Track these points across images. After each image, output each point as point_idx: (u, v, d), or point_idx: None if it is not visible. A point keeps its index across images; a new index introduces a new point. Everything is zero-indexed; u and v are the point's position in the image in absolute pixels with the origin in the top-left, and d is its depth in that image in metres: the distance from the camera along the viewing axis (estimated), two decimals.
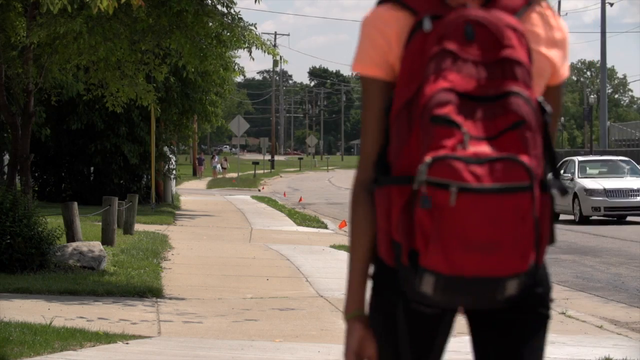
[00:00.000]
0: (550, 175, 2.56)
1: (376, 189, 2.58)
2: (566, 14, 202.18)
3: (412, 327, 2.62)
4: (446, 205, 2.38)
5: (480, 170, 2.39)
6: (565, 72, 2.73)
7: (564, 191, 2.56)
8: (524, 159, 2.41)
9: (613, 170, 29.13)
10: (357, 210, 2.65)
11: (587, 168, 29.17)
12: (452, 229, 2.39)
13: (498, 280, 2.44)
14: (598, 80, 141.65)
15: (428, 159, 2.40)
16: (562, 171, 28.98)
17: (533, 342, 2.65)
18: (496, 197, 2.39)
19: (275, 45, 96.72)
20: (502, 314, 2.62)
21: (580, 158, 30.30)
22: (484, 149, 2.42)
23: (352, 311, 2.69)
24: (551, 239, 2.59)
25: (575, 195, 27.58)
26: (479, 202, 2.38)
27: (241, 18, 14.54)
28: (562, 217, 28.13)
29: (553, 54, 2.69)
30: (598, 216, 27.56)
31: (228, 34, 14.09)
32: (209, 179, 69.72)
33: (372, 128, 2.65)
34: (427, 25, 2.55)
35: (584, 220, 27.15)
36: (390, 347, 2.64)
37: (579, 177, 28.16)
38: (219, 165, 76.25)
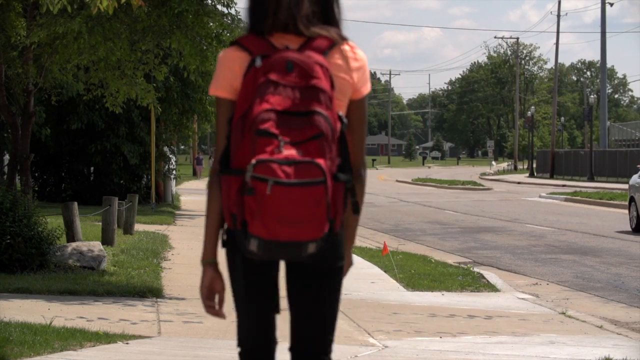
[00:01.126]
0: (342, 172, 3.62)
1: (221, 176, 3.66)
2: (566, 14, 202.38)
3: (247, 270, 3.74)
4: (265, 193, 3.47)
5: (289, 169, 3.46)
6: (366, 89, 3.78)
7: (349, 181, 3.64)
8: (320, 161, 3.49)
9: None
10: (211, 190, 3.77)
11: None
12: (269, 209, 3.48)
13: (302, 243, 3.54)
14: (598, 80, 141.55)
15: (253, 161, 3.47)
16: None
17: (330, 281, 3.78)
18: (300, 189, 3.47)
19: None
20: (310, 264, 3.72)
21: None
22: (293, 152, 3.48)
23: (206, 259, 3.81)
24: (355, 210, 3.75)
25: None
26: (287, 191, 3.47)
27: (240, 19, 14.53)
28: None
29: (352, 78, 3.74)
30: None
31: (228, 34, 14.08)
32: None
33: (221, 133, 3.74)
34: (258, 62, 3.63)
35: None
36: (236, 282, 3.79)
37: None
38: None
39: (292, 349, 3.87)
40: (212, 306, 3.80)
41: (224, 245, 3.76)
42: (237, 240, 3.62)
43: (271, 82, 3.57)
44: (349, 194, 3.69)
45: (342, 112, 3.70)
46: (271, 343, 3.85)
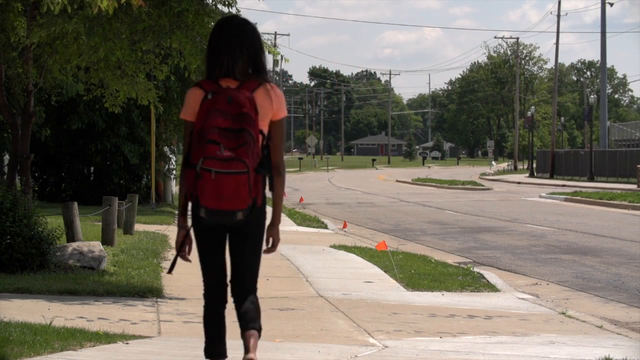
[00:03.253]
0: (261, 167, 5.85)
1: (185, 169, 5.83)
2: (566, 14, 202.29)
3: (204, 231, 5.96)
4: (209, 179, 5.70)
5: (225, 164, 5.69)
6: (282, 114, 5.96)
7: (265, 173, 5.86)
8: (246, 159, 5.71)
9: None
10: (181, 181, 5.89)
11: None
12: (212, 189, 5.71)
13: (233, 211, 5.76)
14: (598, 80, 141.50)
15: (202, 158, 5.70)
16: None
17: (255, 238, 6.00)
18: (232, 176, 5.70)
19: (275, 45, 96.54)
20: (240, 226, 5.92)
21: None
22: (230, 154, 5.69)
23: (180, 224, 6.03)
24: (270, 188, 5.91)
25: None
26: (224, 178, 5.69)
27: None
28: None
29: (272, 107, 5.91)
30: None
31: None
32: None
33: (186, 142, 5.84)
34: (209, 96, 5.84)
35: None
36: (199, 240, 6.01)
37: None
38: None
39: (231, 287, 6.07)
40: (184, 254, 6.02)
41: (191, 216, 5.85)
42: (195, 211, 5.78)
43: (217, 110, 5.76)
44: (266, 181, 5.86)
45: (264, 129, 5.86)
46: (223, 280, 6.08)
